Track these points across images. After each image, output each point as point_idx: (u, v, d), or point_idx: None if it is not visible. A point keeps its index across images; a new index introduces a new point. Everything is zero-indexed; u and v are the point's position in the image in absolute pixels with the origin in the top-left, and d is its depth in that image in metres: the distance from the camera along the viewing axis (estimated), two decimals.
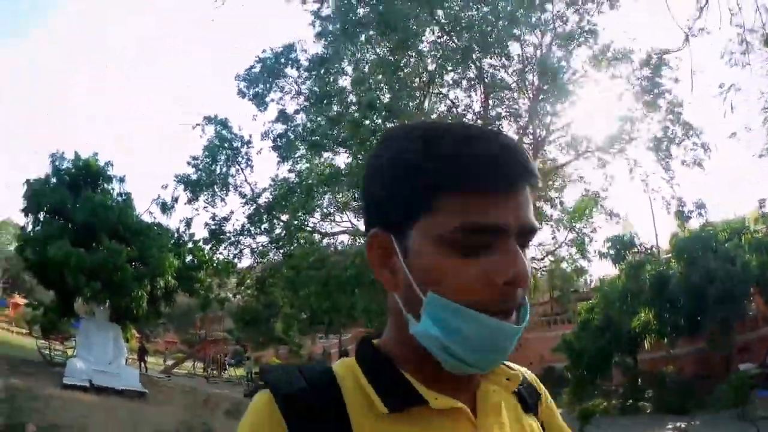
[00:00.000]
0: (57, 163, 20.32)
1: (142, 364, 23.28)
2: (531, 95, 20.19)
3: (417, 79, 20.87)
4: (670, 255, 20.45)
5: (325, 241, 21.36)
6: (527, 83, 20.23)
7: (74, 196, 19.33)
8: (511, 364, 1.02)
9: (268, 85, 21.24)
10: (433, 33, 20.19)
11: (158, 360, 31.50)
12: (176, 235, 21.45)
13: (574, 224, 20.84)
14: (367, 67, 20.72)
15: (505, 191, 0.82)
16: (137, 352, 24.07)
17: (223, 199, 21.36)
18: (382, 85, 20.15)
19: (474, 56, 18.98)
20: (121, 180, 21.71)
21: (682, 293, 17.45)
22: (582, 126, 22.69)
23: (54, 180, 19.94)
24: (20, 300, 39.83)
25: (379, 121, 19.37)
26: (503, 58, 19.99)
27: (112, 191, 21.24)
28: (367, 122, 19.28)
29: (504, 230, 0.81)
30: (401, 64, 20.02)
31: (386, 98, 20.20)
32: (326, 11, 19.94)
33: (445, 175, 0.82)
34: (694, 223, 21.01)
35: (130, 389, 16.35)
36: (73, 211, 18.77)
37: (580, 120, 22.72)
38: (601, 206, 21.38)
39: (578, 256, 21.76)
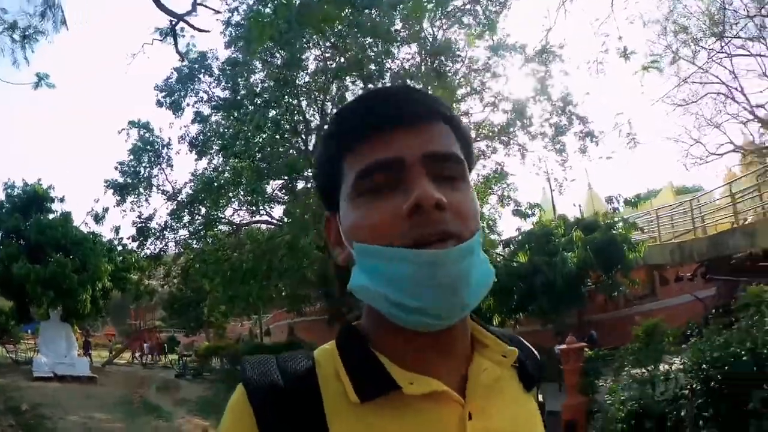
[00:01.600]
0: (9, 191, 23.85)
1: (88, 357, 25.59)
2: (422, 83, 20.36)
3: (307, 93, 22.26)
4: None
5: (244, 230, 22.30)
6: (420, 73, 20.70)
7: (25, 219, 22.92)
8: (513, 335, 0.98)
9: (183, 92, 22.63)
10: (320, 48, 21.58)
11: (100, 352, 32.98)
12: (108, 240, 24.73)
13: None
14: (260, 80, 21.98)
15: (406, 125, 0.81)
16: (82, 346, 26.62)
17: (147, 199, 23.37)
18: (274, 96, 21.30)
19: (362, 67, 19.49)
20: (61, 200, 25.13)
21: (514, 282, 18.14)
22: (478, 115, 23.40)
23: (8, 206, 23.50)
24: None
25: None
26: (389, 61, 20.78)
27: (54, 211, 24.60)
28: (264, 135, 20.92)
29: (401, 163, 0.79)
30: (292, 78, 21.14)
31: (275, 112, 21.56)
32: (236, 18, 20.65)
33: (342, 135, 0.85)
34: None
35: (83, 375, 19.84)
36: (25, 232, 22.44)
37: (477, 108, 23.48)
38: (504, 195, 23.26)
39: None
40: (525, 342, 0.98)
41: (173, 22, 12.97)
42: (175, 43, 15.00)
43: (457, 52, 21.14)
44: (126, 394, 18.51)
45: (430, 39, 21.21)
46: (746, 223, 17.18)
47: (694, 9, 23.45)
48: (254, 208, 22.97)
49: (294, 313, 32.80)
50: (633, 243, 18.17)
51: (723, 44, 23.07)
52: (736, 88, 24.49)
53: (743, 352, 6.84)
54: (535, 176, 23.82)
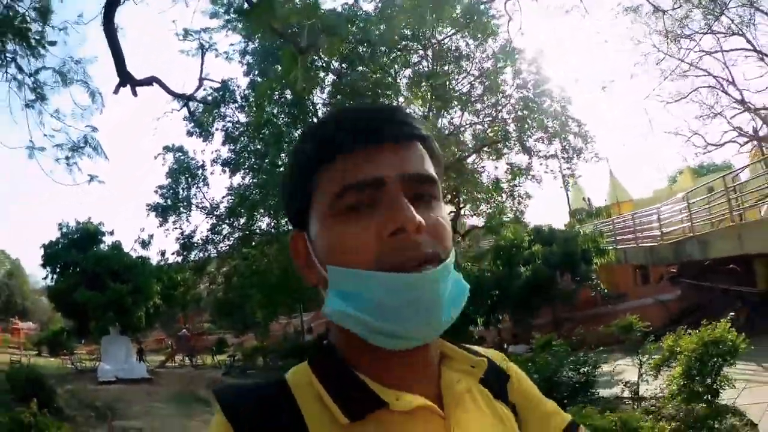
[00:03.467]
0: (64, 230, 28.04)
1: (143, 362, 28.81)
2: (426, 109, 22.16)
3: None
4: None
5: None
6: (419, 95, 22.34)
7: (82, 252, 27.08)
8: (477, 348, 0.98)
9: (211, 119, 23.71)
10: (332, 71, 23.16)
11: (153, 357, 34.94)
12: (157, 262, 27.55)
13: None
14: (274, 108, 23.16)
15: (386, 144, 0.81)
16: (137, 353, 29.99)
17: (187, 218, 24.83)
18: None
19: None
20: (111, 233, 29.19)
21: (488, 289, 19.40)
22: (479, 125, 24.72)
23: (64, 242, 27.70)
24: (18, 324, 43.77)
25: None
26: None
27: (105, 243, 28.72)
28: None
29: (381, 182, 0.78)
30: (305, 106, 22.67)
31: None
32: (252, 46, 22.20)
33: (318, 149, 0.82)
34: None
35: (141, 377, 23.33)
36: (83, 264, 26.62)
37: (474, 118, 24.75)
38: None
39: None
40: (483, 352, 0.98)
41: (184, 102, 16.73)
42: (189, 113, 18.68)
43: (466, 56, 22.82)
44: (178, 391, 21.55)
45: (435, 44, 22.76)
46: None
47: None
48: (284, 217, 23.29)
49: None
50: (600, 249, 19.82)
51: (714, 35, 22.80)
52: (726, 79, 24.33)
53: None
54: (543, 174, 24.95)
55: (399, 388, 0.81)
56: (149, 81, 12.67)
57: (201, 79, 17.00)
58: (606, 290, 21.03)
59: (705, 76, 24.60)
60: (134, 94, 12.05)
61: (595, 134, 23.55)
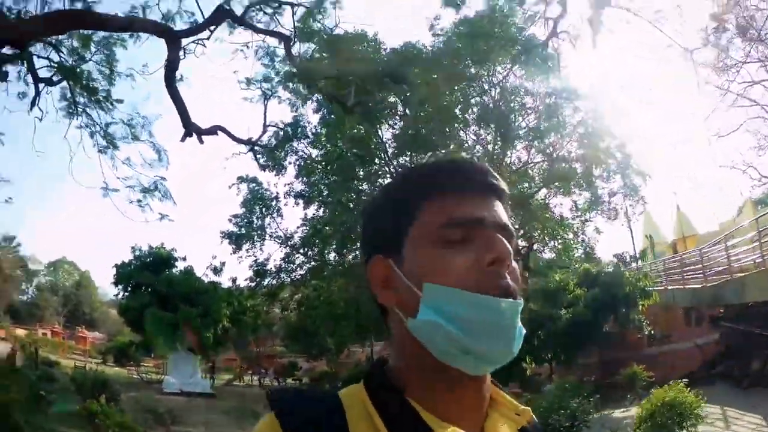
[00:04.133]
0: (137, 252, 30.36)
1: (212, 379, 31.68)
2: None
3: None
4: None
5: None
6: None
7: (153, 275, 29.28)
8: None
9: (283, 153, 24.36)
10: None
11: (223, 375, 37.62)
12: (227, 288, 29.16)
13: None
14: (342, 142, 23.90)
15: (478, 192, 0.91)
16: (208, 370, 32.54)
17: (261, 246, 25.27)
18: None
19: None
20: (183, 259, 31.37)
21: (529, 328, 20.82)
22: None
23: (137, 263, 29.99)
24: (85, 332, 45.91)
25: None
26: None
27: (178, 268, 30.96)
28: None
29: (481, 222, 0.87)
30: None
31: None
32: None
33: (423, 185, 0.91)
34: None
35: (205, 392, 25.18)
36: (156, 286, 28.84)
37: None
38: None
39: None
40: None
41: (249, 147, 18.18)
42: (255, 158, 20.14)
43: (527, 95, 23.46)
44: (238, 406, 23.18)
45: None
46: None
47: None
48: (351, 252, 24.13)
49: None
50: (645, 291, 19.73)
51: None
52: None
53: None
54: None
55: (448, 420, 0.84)
56: (214, 130, 14.01)
57: (265, 125, 17.91)
58: (653, 331, 20.96)
59: (752, 106, 22.48)
60: (201, 141, 13.44)
61: (657, 170, 23.11)
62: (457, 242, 0.87)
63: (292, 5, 14.78)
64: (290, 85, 20.48)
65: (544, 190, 25.02)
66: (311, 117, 25.14)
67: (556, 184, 23.96)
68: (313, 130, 24.69)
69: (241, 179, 24.98)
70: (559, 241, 24.84)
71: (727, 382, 17.36)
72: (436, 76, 20.85)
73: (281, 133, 23.30)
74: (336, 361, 37.71)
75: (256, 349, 47.85)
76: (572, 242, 25.24)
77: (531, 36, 21.17)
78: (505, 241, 0.87)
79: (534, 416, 0.97)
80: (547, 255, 26.09)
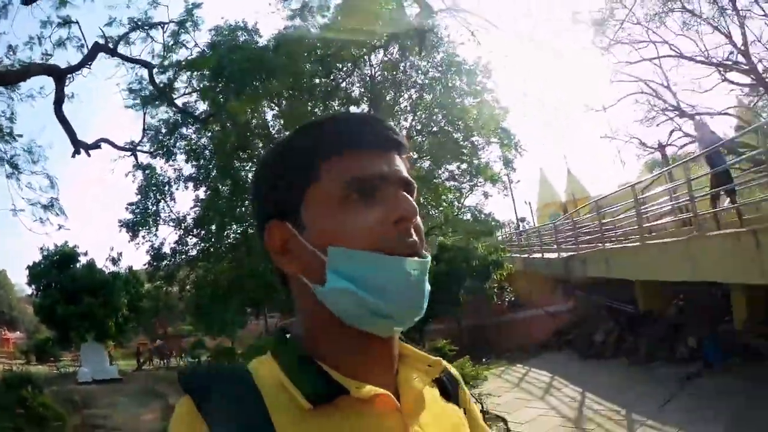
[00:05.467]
0: (45, 253, 31.77)
1: (115, 365, 32.47)
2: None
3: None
4: None
5: None
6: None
7: (59, 273, 30.97)
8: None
9: (173, 140, 24.47)
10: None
11: (130, 361, 38.34)
12: (125, 277, 31.48)
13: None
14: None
15: (378, 147, 0.89)
16: (111, 358, 34.34)
17: (155, 233, 25.68)
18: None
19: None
20: (85, 254, 32.67)
21: None
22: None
23: (45, 263, 31.62)
24: (8, 334, 45.74)
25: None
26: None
27: (81, 263, 32.26)
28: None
29: (384, 178, 0.86)
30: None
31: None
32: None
33: (325, 142, 0.88)
34: None
35: (113, 378, 27.19)
36: (62, 282, 30.55)
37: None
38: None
39: None
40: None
41: (131, 153, 20.81)
42: (137, 161, 22.70)
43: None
44: (143, 388, 25.24)
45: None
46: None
47: None
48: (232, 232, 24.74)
49: (287, 313, 32.19)
50: (497, 262, 19.73)
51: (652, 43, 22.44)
52: (661, 84, 23.56)
53: None
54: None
55: (360, 380, 0.85)
56: (98, 144, 15.78)
57: (144, 131, 20.93)
58: (512, 299, 21.63)
59: (636, 81, 24.37)
60: (88, 155, 15.22)
61: (550, 135, 23.53)
62: (359, 201, 0.85)
63: (162, 24, 16.89)
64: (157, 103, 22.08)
65: (428, 163, 25.12)
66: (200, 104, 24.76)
67: (440, 154, 24.29)
68: (202, 116, 24.01)
69: (136, 167, 24.65)
70: (444, 205, 24.62)
71: (576, 350, 18.17)
72: (309, 61, 21.60)
73: (170, 120, 23.73)
74: (235, 336, 38.49)
75: (161, 331, 48.83)
76: (456, 205, 24.98)
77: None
78: (410, 198, 0.87)
79: (447, 365, 1.01)
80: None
